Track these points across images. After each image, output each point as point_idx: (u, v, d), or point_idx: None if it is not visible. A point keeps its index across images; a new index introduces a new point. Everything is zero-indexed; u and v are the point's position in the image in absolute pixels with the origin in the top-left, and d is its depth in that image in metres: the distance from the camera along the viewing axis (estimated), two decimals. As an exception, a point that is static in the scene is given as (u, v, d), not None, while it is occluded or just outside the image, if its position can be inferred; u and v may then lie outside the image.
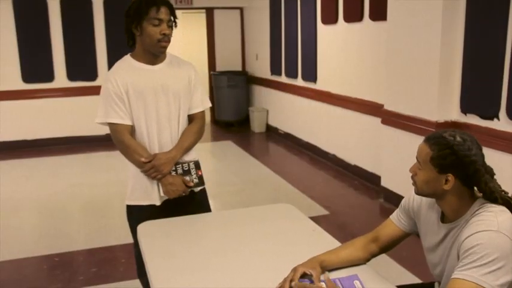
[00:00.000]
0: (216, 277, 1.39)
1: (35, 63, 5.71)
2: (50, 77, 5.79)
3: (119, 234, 3.28)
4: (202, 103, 1.96)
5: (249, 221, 1.85)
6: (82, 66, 5.87)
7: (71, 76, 5.86)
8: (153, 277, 1.40)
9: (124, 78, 1.80)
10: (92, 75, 5.93)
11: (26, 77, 5.71)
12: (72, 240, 3.26)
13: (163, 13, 1.75)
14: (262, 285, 1.33)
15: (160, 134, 1.86)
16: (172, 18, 1.80)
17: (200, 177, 1.91)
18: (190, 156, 1.93)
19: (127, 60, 1.87)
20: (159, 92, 1.83)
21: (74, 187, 4.40)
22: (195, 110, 1.94)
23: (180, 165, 1.88)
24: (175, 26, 1.83)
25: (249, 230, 1.75)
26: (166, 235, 1.72)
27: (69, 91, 5.87)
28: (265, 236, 1.68)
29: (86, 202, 4.03)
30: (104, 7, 5.83)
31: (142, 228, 1.78)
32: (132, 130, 1.84)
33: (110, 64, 5.90)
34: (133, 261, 2.78)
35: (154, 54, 1.83)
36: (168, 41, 1.80)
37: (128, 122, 1.82)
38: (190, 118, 1.95)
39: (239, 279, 1.37)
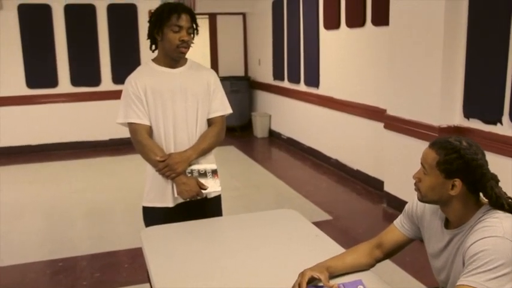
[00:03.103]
0: (219, 282, 1.40)
1: (39, 69, 5.76)
2: (53, 83, 5.84)
3: (122, 240, 3.30)
4: (222, 108, 1.98)
5: (252, 226, 1.85)
6: (85, 72, 5.92)
7: (75, 82, 5.90)
8: (156, 282, 1.41)
9: (143, 80, 1.87)
10: (95, 80, 5.97)
11: (30, 83, 5.76)
12: (76, 245, 3.27)
13: (184, 20, 1.81)
14: (266, 291, 1.34)
15: (176, 135, 1.89)
16: (193, 25, 1.86)
17: (216, 182, 1.91)
18: (209, 164, 1.94)
19: (148, 64, 1.94)
20: (177, 93, 1.88)
21: (78, 192, 4.42)
22: (215, 114, 1.96)
23: (196, 170, 1.89)
24: (197, 34, 1.90)
25: (253, 235, 1.75)
26: (169, 240, 1.72)
27: (73, 96, 5.92)
28: (268, 241, 1.69)
29: (89, 207, 4.04)
30: (107, 14, 5.88)
31: (146, 233, 1.79)
32: (150, 131, 1.89)
33: (113, 69, 5.98)
34: (137, 266, 2.81)
35: (174, 58, 1.89)
36: (187, 47, 1.86)
37: (146, 122, 1.87)
38: (210, 122, 1.97)
39: (242, 285, 1.37)
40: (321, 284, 1.29)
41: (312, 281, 1.30)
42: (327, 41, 4.93)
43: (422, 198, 1.29)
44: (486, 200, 1.24)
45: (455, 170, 1.20)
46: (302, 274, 1.30)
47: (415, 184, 1.30)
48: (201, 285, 1.39)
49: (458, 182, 1.20)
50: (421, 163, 1.27)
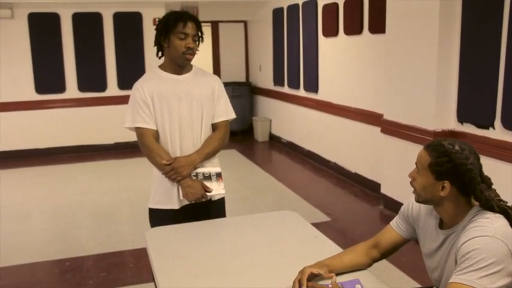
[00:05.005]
0: (221, 281, 1.43)
1: (47, 75, 5.86)
2: (61, 88, 5.95)
3: (128, 240, 3.37)
4: (226, 113, 2.02)
5: (253, 228, 1.88)
6: (92, 78, 6.02)
7: (82, 87, 6.01)
8: (160, 281, 1.44)
9: (150, 86, 1.91)
10: (102, 86, 6.08)
11: (39, 88, 5.87)
12: (83, 245, 3.34)
13: (189, 28, 1.86)
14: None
15: (182, 139, 1.93)
16: (198, 33, 1.90)
17: (220, 185, 1.94)
18: (213, 168, 1.98)
19: (154, 71, 1.98)
20: (183, 98, 1.92)
21: (84, 194, 4.49)
22: (219, 119, 2.00)
23: (201, 173, 1.93)
24: (202, 41, 1.94)
25: (254, 236, 1.78)
26: (173, 240, 1.75)
27: (80, 102, 6.02)
28: (269, 241, 1.72)
29: (95, 208, 4.10)
30: (113, 21, 5.99)
31: (150, 233, 1.82)
32: (157, 135, 1.93)
33: (119, 75, 6.11)
34: (141, 265, 2.89)
35: (180, 65, 1.93)
36: (193, 54, 1.90)
37: (153, 127, 1.91)
38: (214, 127, 2.00)
39: (243, 285, 1.40)
40: (321, 282, 1.32)
41: (312, 278, 1.33)
42: (325, 48, 5.00)
43: (417, 198, 1.33)
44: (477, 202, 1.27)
45: (445, 172, 1.24)
46: (302, 271, 1.33)
47: (410, 183, 1.34)
48: (204, 284, 1.41)
49: (447, 184, 1.24)
50: (416, 163, 1.32)
